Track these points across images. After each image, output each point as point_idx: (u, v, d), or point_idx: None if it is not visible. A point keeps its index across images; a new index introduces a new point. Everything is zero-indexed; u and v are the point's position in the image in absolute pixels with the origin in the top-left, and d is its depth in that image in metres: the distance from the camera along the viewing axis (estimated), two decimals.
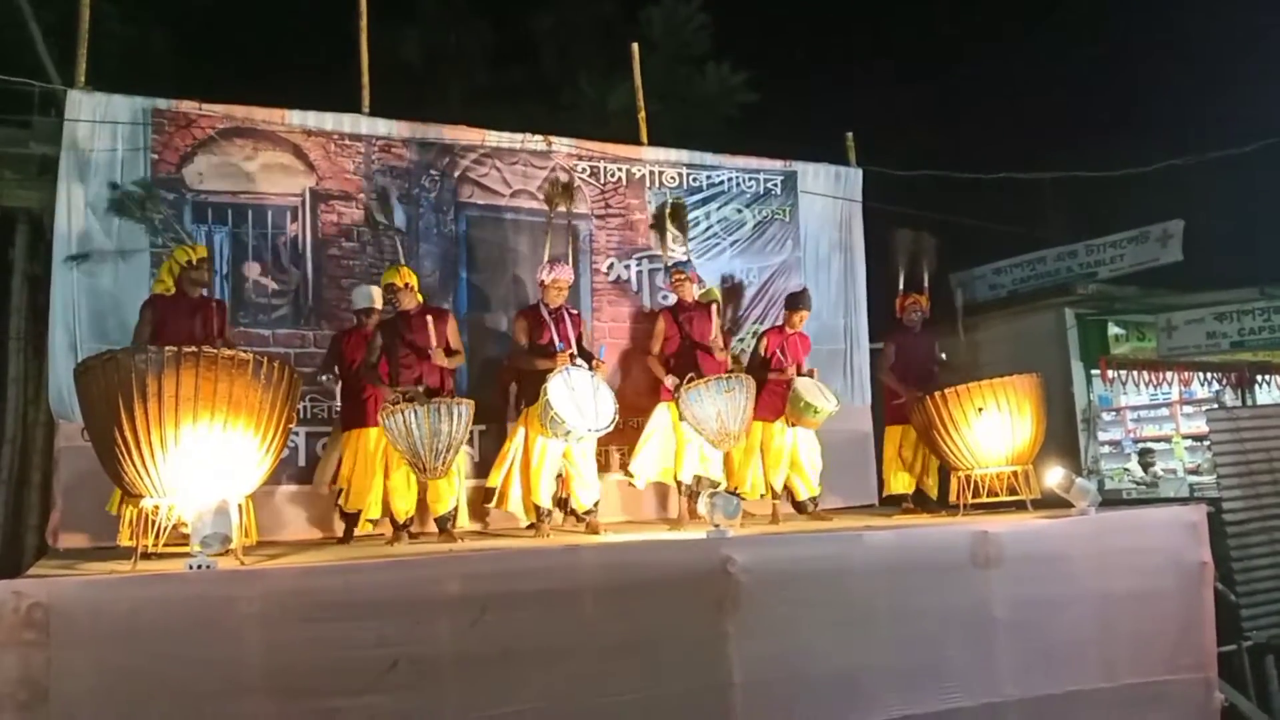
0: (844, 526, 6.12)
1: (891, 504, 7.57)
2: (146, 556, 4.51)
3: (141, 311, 5.67)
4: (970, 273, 11.07)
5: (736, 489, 6.70)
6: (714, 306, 6.97)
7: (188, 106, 6.70)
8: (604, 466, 6.99)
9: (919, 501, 7.29)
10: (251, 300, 6.73)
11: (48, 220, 6.70)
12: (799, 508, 7.15)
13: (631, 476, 6.76)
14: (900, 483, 7.32)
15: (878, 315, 8.36)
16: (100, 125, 6.43)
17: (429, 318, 6.03)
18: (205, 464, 4.40)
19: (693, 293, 6.93)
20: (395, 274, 6.12)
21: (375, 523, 6.15)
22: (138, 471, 4.36)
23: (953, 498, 6.67)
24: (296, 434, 6.46)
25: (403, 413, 5.48)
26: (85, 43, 6.62)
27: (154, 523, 4.51)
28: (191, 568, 3.97)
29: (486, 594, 4.20)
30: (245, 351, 4.61)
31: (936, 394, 6.45)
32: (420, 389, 5.81)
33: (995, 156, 9.44)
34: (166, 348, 4.33)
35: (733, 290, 8.23)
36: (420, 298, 6.21)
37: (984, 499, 6.48)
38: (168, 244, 6.33)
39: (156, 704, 3.65)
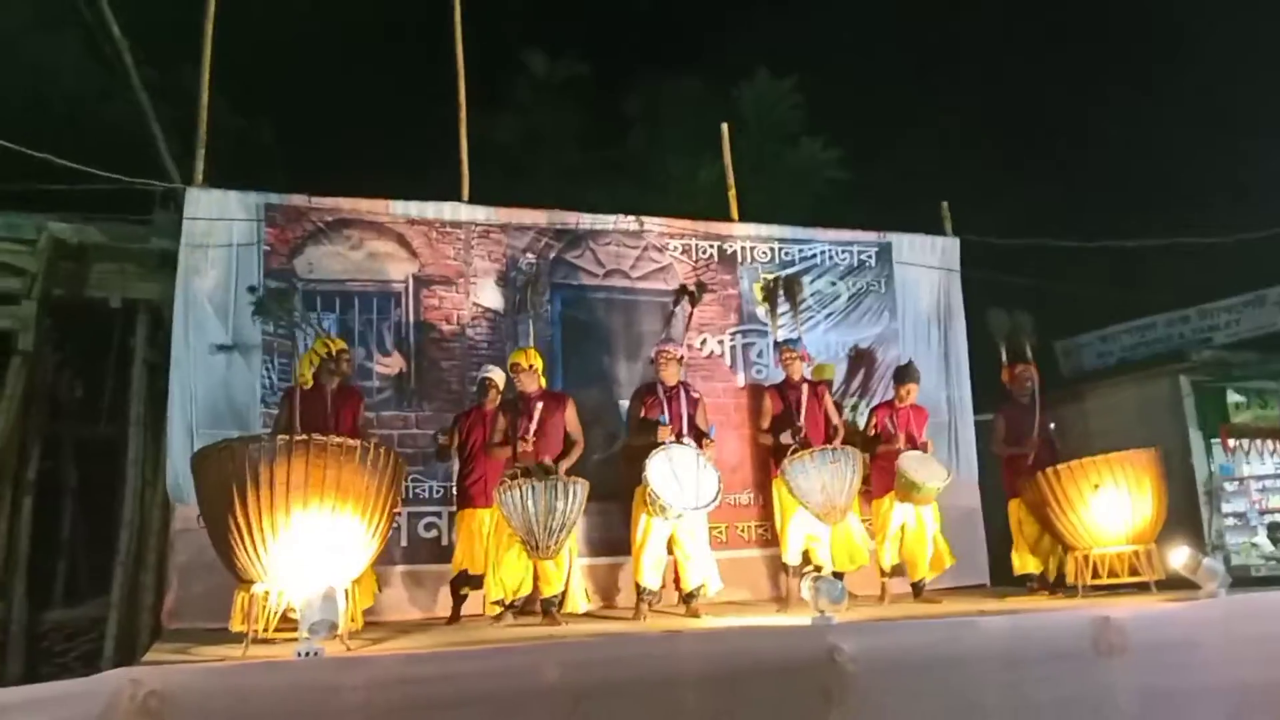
0: (956, 611, 5.87)
1: (1010, 582, 7.24)
2: (257, 641, 4.59)
3: (281, 402, 5.88)
4: (1076, 340, 10.75)
5: (840, 572, 6.50)
6: (823, 386, 6.89)
7: (298, 200, 7.03)
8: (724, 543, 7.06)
9: (1041, 581, 6.96)
10: (357, 384, 6.90)
11: (166, 311, 7.08)
12: (915, 589, 6.91)
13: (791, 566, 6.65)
14: (1027, 562, 6.96)
15: (981, 386, 8.15)
16: (217, 220, 6.78)
17: (548, 401, 6.09)
18: (314, 549, 4.50)
19: (801, 370, 6.87)
20: (522, 355, 6.17)
21: (500, 603, 6.04)
22: (249, 557, 4.47)
23: (1070, 579, 6.37)
24: (399, 514, 6.55)
25: (519, 488, 5.49)
26: (204, 143, 7.03)
27: (264, 608, 4.61)
28: (300, 655, 4.02)
29: (583, 683, 4.12)
30: (352, 439, 4.72)
31: (1049, 470, 6.21)
32: (537, 465, 5.80)
33: (1097, 221, 9.22)
34: (279, 437, 4.46)
35: (857, 361, 8.23)
36: (543, 382, 6.24)
37: (1104, 580, 6.17)
38: (278, 337, 6.59)
39: None
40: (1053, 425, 7.33)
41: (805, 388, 6.80)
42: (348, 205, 7.16)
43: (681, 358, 6.57)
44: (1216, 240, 9.31)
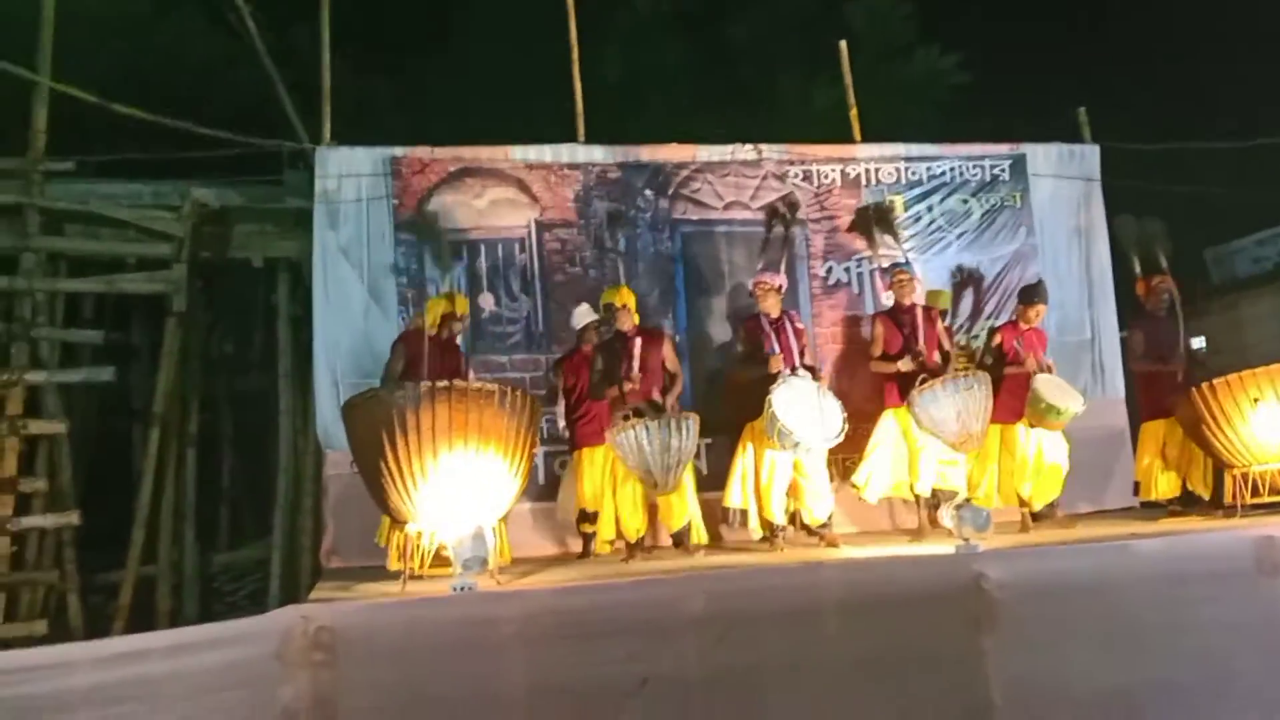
0: (1106, 535, 5.68)
1: (1153, 508, 6.96)
2: (412, 578, 4.82)
3: (394, 346, 6.09)
4: (1227, 246, 10.10)
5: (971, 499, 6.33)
6: (936, 312, 6.63)
7: (421, 153, 7.18)
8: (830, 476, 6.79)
9: (1186, 503, 6.66)
10: (488, 329, 7.09)
11: (305, 267, 7.39)
12: (1036, 517, 6.59)
13: (859, 489, 6.48)
14: (1164, 484, 6.68)
15: (1127, 301, 7.76)
16: (346, 176, 6.99)
17: (645, 338, 6.13)
18: (462, 490, 4.66)
19: (914, 293, 6.58)
20: (615, 294, 6.24)
21: (611, 542, 6.23)
22: (402, 499, 4.67)
23: (1228, 498, 6.08)
24: (537, 454, 6.69)
25: (633, 429, 5.57)
26: (328, 102, 7.22)
27: (418, 547, 4.82)
28: (455, 590, 4.20)
29: (729, 612, 4.17)
30: (490, 383, 4.85)
31: (1204, 385, 5.89)
32: (648, 403, 5.88)
33: (1250, 118, 8.57)
34: (422, 384, 4.63)
35: (964, 284, 7.87)
36: (636, 319, 6.27)
37: (1265, 498, 5.87)
38: (412, 287, 6.88)
39: None
40: (1201, 342, 6.96)
41: (919, 312, 6.50)
42: (469, 154, 7.26)
43: (780, 287, 6.39)
44: None
